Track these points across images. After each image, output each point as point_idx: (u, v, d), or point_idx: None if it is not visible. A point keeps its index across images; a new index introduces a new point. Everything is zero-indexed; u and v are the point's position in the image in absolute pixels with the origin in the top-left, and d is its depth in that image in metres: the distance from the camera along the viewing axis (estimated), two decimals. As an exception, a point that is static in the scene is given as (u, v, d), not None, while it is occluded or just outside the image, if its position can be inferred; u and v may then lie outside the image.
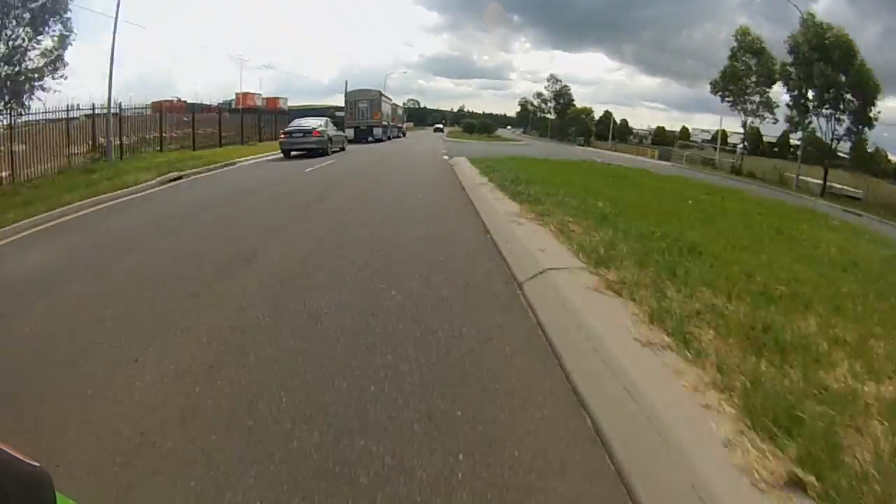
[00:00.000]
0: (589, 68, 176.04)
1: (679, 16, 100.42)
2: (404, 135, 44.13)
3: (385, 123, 32.58)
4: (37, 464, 0.49)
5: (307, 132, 17.06)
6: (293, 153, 17.32)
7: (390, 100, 36.94)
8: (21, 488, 0.46)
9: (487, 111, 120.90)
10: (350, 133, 31.38)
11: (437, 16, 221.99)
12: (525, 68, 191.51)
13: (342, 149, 20.04)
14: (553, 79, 69.82)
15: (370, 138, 30.74)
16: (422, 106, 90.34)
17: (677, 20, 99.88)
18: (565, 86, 68.70)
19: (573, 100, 67.39)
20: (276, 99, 43.27)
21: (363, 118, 31.21)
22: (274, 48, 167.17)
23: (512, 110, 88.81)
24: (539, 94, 71.03)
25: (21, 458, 0.48)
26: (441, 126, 71.85)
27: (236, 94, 44.40)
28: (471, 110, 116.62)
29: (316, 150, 17.16)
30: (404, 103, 53.11)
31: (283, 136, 17.44)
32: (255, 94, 42.85)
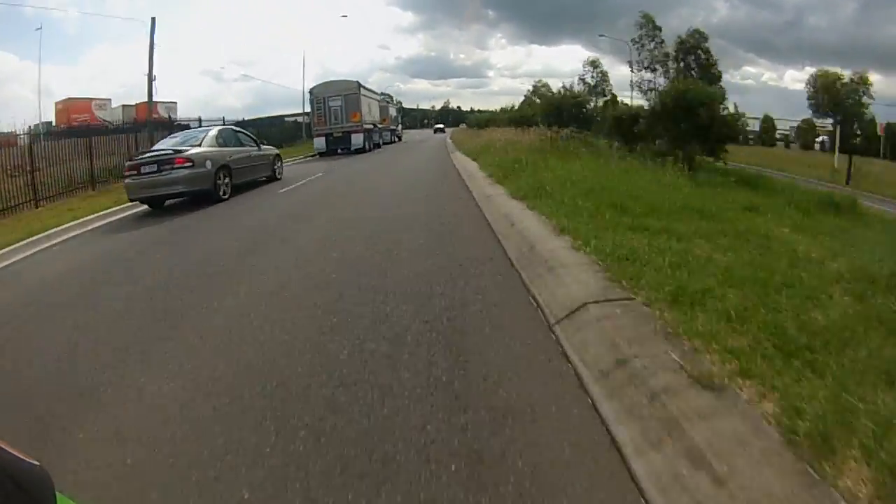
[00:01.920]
0: (566, 61, 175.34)
1: (655, 2, 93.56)
2: (399, 139, 35.18)
3: (369, 126, 23.61)
4: (37, 463, 0.48)
5: (164, 162, 8.19)
6: (167, 202, 8.65)
7: (376, 95, 27.73)
8: (21, 487, 0.45)
9: (474, 108, 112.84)
10: (320, 143, 22.67)
11: (413, 16, 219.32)
12: (502, 65, 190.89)
13: (272, 177, 11.19)
14: (649, 23, 30.62)
15: (350, 148, 21.91)
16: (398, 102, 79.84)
17: (653, 7, 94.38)
18: (698, 32, 29.06)
19: (715, 62, 28.73)
20: (146, 104, 22.71)
21: (336, 121, 22.29)
22: (250, 60, 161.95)
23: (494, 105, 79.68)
24: (594, 64, 35.51)
25: (21, 457, 0.47)
26: (442, 126, 63.87)
27: (56, 103, 26.45)
28: (456, 106, 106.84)
29: (189, 192, 8.37)
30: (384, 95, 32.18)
31: (127, 172, 8.60)
32: (93, 100, 26.08)
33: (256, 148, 10.82)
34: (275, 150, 11.99)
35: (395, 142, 31.80)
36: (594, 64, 35.84)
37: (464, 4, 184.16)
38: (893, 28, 67.09)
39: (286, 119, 20.98)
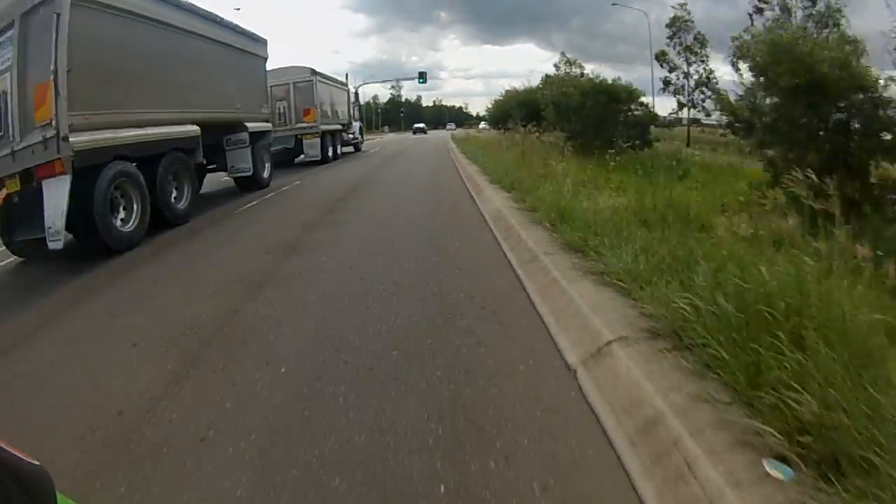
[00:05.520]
0: (520, 61, 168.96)
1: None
2: (358, 149, 20.03)
3: (137, 137, 6.88)
4: (37, 462, 0.46)
5: None
6: None
7: (236, 33, 8.88)
8: (21, 487, 0.43)
9: (436, 102, 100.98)
10: None
11: (365, 18, 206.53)
12: (455, 66, 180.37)
13: None
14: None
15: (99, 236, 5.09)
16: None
17: (605, 4, 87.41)
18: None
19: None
20: None
21: None
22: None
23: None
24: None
25: (21, 457, 0.45)
26: (423, 126, 51.63)
27: None
28: (415, 97, 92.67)
29: None
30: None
31: None
32: None
33: None
34: None
35: (332, 159, 15.23)
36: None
37: (417, 6, 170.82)
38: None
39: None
